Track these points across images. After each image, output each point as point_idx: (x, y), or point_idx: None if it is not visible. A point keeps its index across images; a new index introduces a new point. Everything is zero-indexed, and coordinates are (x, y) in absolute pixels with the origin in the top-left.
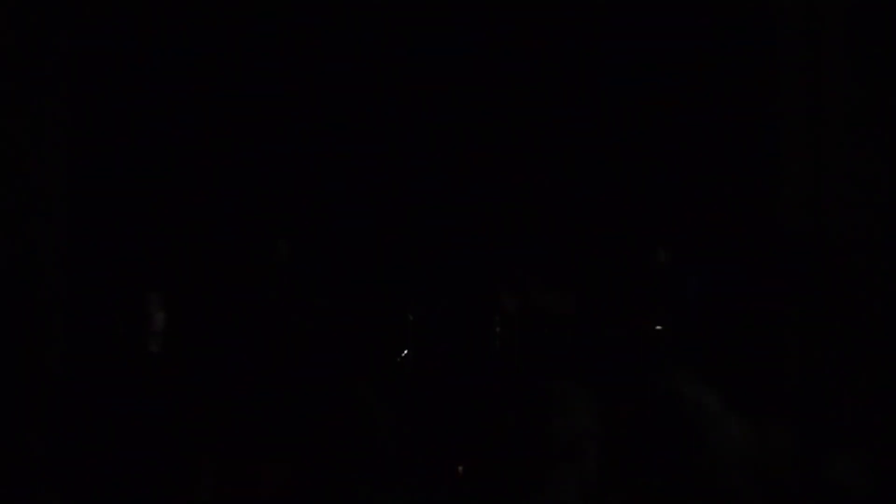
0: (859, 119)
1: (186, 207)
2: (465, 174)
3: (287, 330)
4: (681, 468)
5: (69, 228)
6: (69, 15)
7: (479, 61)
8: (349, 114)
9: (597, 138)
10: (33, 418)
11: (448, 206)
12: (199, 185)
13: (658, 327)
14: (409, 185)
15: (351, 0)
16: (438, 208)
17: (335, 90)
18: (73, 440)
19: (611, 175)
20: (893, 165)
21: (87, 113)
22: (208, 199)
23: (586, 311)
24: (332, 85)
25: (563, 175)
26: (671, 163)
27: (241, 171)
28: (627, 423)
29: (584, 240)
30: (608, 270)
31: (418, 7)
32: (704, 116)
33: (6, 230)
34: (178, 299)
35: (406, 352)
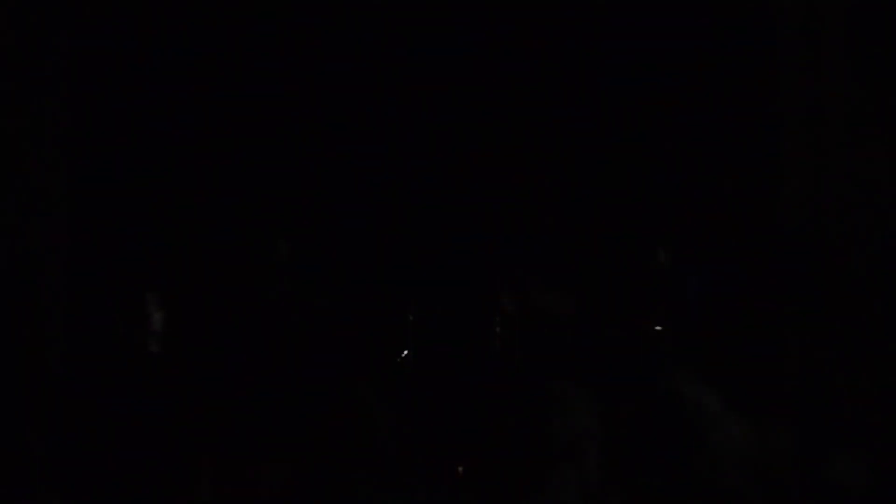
0: (859, 119)
1: (186, 207)
2: (466, 174)
3: (287, 330)
4: (681, 468)
5: (69, 228)
6: (69, 15)
7: (479, 61)
8: (349, 114)
9: (597, 138)
10: (33, 418)
11: (448, 206)
12: (199, 185)
13: (658, 327)
14: (409, 186)
15: (351, 0)
16: (439, 209)
17: (335, 90)
18: (73, 440)
19: (611, 175)
20: (893, 165)
21: (87, 113)
22: (208, 199)
23: (586, 311)
24: (332, 85)
25: (564, 175)
26: (671, 163)
27: (241, 171)
28: (627, 424)
29: (585, 240)
30: (608, 270)
31: (418, 7)
32: (704, 116)
33: (6, 230)
34: (178, 299)
35: (406, 352)
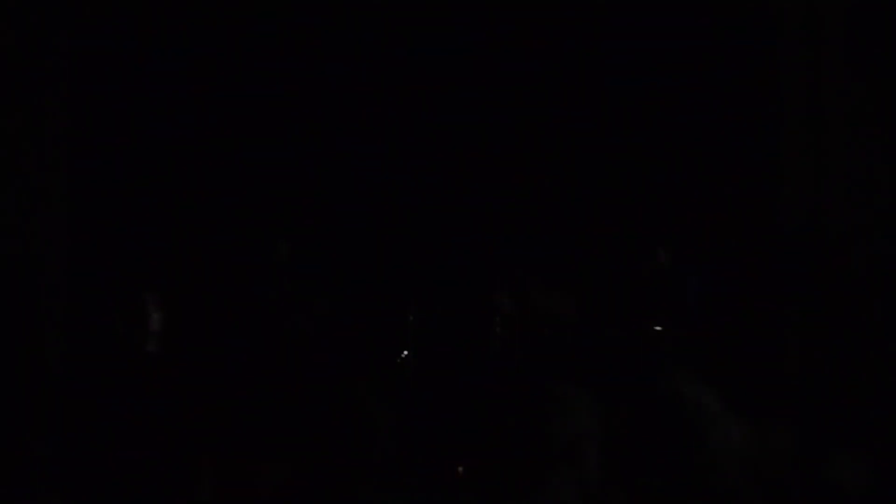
0: (859, 119)
1: (186, 207)
2: (466, 175)
3: (287, 330)
4: (681, 469)
5: (69, 228)
6: (69, 15)
7: (479, 61)
8: (349, 114)
9: (597, 138)
10: (33, 418)
11: (448, 207)
12: (199, 185)
13: (658, 328)
14: (409, 186)
15: (351, 0)
16: (438, 209)
17: (335, 90)
18: (73, 440)
19: (611, 175)
20: (893, 165)
21: (87, 113)
22: (208, 199)
23: (586, 311)
24: (332, 85)
25: (564, 176)
26: (671, 163)
27: (241, 172)
28: (627, 424)
29: (585, 240)
30: (608, 271)
31: (418, 7)
32: (705, 116)
33: (6, 230)
34: (178, 299)
35: (406, 352)
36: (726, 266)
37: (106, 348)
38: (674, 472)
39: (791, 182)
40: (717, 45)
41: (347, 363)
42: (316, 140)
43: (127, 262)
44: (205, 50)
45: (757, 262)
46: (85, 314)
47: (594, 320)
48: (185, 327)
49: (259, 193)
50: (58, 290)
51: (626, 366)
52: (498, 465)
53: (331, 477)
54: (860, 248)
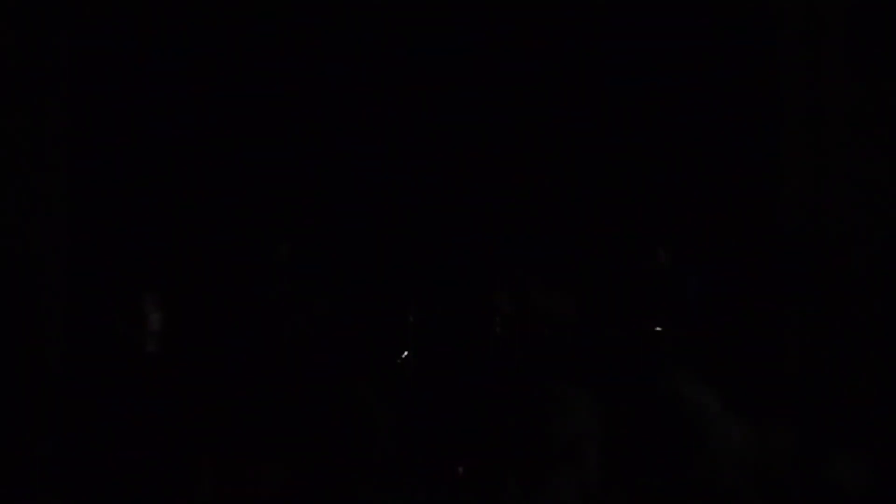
0: (859, 119)
1: (187, 208)
2: (466, 175)
3: (287, 331)
4: (681, 469)
5: (69, 228)
6: (69, 15)
7: (479, 62)
8: (349, 115)
9: (597, 139)
10: (33, 418)
11: (449, 207)
12: (199, 185)
13: (658, 328)
14: (409, 187)
15: (351, 0)
16: (439, 210)
17: (335, 90)
18: (73, 440)
19: (611, 175)
20: (893, 165)
21: (87, 113)
22: (209, 199)
23: (586, 311)
24: (332, 85)
25: (564, 176)
26: (671, 163)
27: (241, 172)
28: (627, 424)
29: (585, 240)
30: (608, 271)
31: (418, 7)
32: (705, 116)
33: (6, 230)
34: (178, 300)
35: (406, 353)
36: (726, 266)
37: (106, 348)
38: (674, 472)
39: (791, 182)
40: (717, 45)
41: (347, 363)
42: (316, 140)
43: (127, 263)
44: (205, 50)
45: (757, 262)
46: (85, 314)
47: (594, 320)
48: (185, 327)
49: (259, 194)
50: (58, 290)
51: (626, 366)
52: (498, 465)
53: (331, 477)
54: (860, 248)
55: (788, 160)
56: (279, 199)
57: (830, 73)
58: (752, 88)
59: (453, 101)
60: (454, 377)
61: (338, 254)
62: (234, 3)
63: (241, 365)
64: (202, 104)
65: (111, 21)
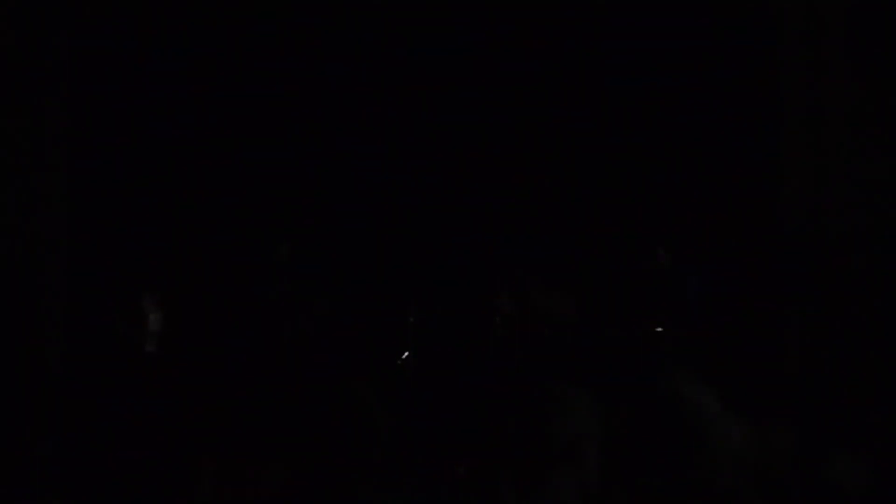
0: (859, 119)
1: (187, 208)
2: (466, 176)
3: (287, 331)
4: (681, 469)
5: (69, 228)
6: (69, 15)
7: (479, 62)
8: (349, 115)
9: (597, 138)
10: (33, 418)
11: (448, 207)
12: (200, 185)
13: (658, 328)
14: (409, 187)
15: (351, 0)
16: (439, 210)
17: (335, 91)
18: (73, 440)
19: (611, 175)
20: (893, 165)
21: (87, 113)
22: (209, 200)
23: (586, 311)
24: (332, 85)
25: (563, 176)
26: (671, 163)
27: (241, 172)
28: (627, 424)
29: (585, 240)
30: (608, 271)
31: (418, 7)
32: (705, 116)
33: (6, 230)
34: (178, 300)
35: (407, 353)
36: (726, 266)
37: (106, 348)
38: (674, 473)
39: (791, 182)
40: (717, 45)
41: (347, 363)
42: (316, 140)
43: (127, 263)
44: (205, 50)
45: (757, 262)
46: (85, 314)
47: (594, 320)
48: (185, 327)
49: (259, 194)
50: (58, 290)
51: (626, 366)
52: (498, 465)
53: (331, 477)
54: (860, 248)
55: (788, 160)
56: (279, 199)
57: (830, 73)
58: (752, 89)
59: (453, 101)
60: (454, 377)
61: (338, 254)
62: (234, 3)
63: (241, 365)
64: (202, 104)
65: (111, 21)
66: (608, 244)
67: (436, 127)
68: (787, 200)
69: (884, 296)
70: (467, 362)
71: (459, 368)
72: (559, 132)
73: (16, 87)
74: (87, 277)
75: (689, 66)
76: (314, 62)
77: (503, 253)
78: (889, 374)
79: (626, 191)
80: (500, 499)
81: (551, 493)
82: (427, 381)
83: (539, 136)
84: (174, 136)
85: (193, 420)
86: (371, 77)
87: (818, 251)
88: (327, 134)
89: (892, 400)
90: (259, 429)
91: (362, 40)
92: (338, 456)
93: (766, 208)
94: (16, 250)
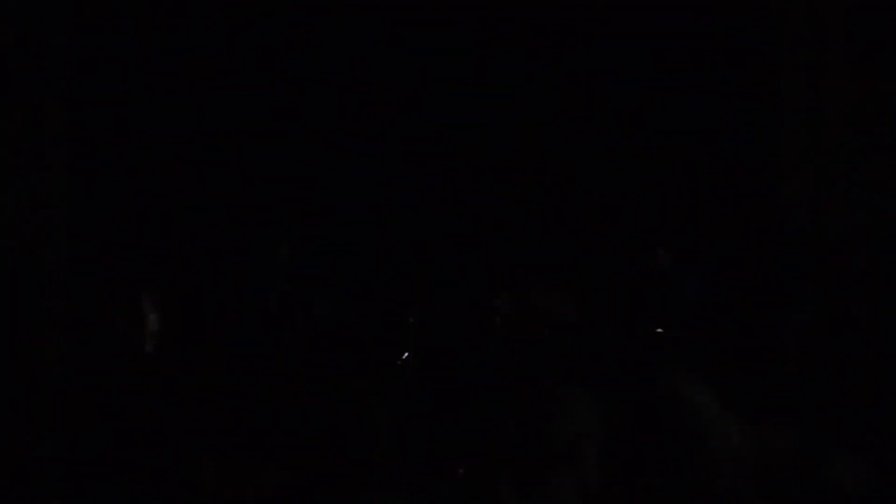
0: (859, 119)
1: (187, 208)
2: (466, 176)
3: (288, 331)
4: (681, 470)
5: (69, 228)
6: (69, 15)
7: (479, 62)
8: (349, 115)
9: (597, 139)
10: (33, 418)
11: (449, 208)
12: (200, 186)
13: (658, 328)
14: (409, 188)
15: (351, 0)
16: (439, 211)
17: (335, 90)
18: (73, 440)
19: (611, 176)
20: (894, 165)
21: (87, 113)
22: (210, 200)
23: (587, 312)
24: (332, 85)
25: (563, 176)
26: (671, 163)
27: (241, 172)
28: (627, 425)
29: (585, 241)
30: (608, 272)
31: (418, 7)
32: (705, 116)
33: (6, 230)
34: (178, 300)
35: (407, 354)
36: (726, 266)
37: (106, 349)
38: (674, 473)
39: (791, 182)
40: (717, 45)
41: (347, 364)
42: (316, 140)
43: (127, 263)
44: (205, 50)
45: (757, 262)
46: (85, 314)
47: (594, 321)
48: (185, 328)
49: (259, 194)
50: (58, 290)
51: (626, 366)
52: (498, 466)
53: (331, 478)
54: (860, 248)
55: (788, 160)
56: (279, 199)
57: (830, 73)
58: (752, 89)
59: (453, 101)
60: (454, 378)
61: (338, 254)
62: (235, 3)
63: (241, 365)
64: (202, 104)
65: (111, 21)
66: (608, 244)
67: (436, 127)
68: (787, 200)
69: (884, 296)
70: (467, 362)
71: (459, 369)
72: (559, 132)
73: (16, 87)
74: (87, 277)
75: (689, 66)
76: (314, 62)
77: (503, 253)
78: (889, 374)
79: (626, 191)
80: (500, 499)
81: (551, 494)
82: (427, 382)
83: (539, 137)
84: (174, 136)
85: (193, 420)
86: (371, 77)
87: (818, 251)
88: (327, 134)
89: (893, 400)
90: (259, 429)
91: (362, 41)
92: (338, 456)
93: (766, 208)
94: (16, 250)
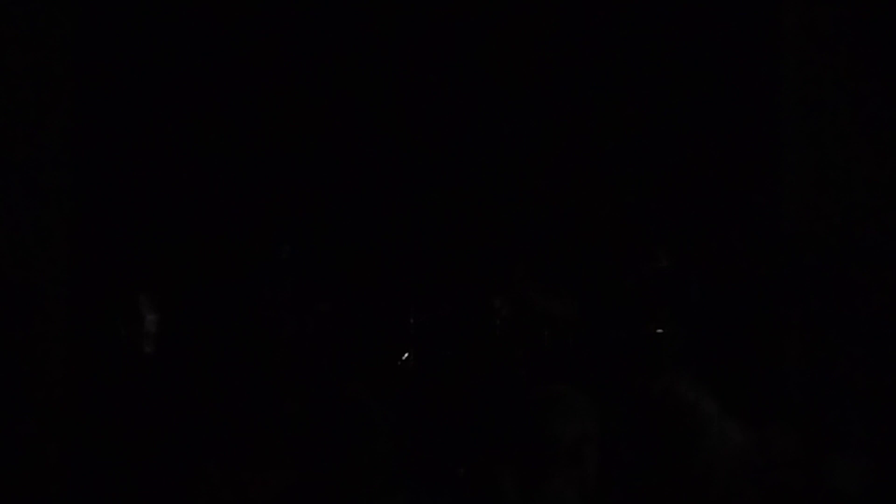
0: (859, 119)
1: (188, 208)
2: (466, 177)
3: (287, 333)
4: (681, 472)
5: (69, 228)
6: (69, 15)
7: (478, 62)
8: (349, 117)
9: (596, 139)
10: (33, 420)
11: (449, 209)
12: (201, 186)
13: (658, 330)
14: (409, 189)
15: (351, 0)
16: (439, 211)
17: (336, 91)
18: (74, 443)
19: (610, 176)
20: (894, 165)
21: (88, 113)
22: (210, 200)
23: (587, 314)
24: (332, 86)
25: (563, 177)
26: (671, 164)
27: (242, 173)
28: (627, 427)
29: (585, 242)
30: (609, 273)
31: (418, 7)
32: (704, 117)
33: (6, 230)
34: (179, 301)
35: (407, 355)
36: (727, 268)
37: (107, 350)
38: (674, 475)
39: (791, 183)
40: (717, 45)
41: (347, 365)
42: (316, 141)
43: (128, 264)
44: (206, 50)
45: (757, 264)
46: (86, 315)
47: (595, 322)
48: (186, 329)
49: (260, 195)
50: (58, 291)
51: (626, 368)
52: (498, 466)
53: (331, 479)
54: (861, 249)
55: (788, 161)
56: (280, 199)
57: (830, 73)
58: (752, 89)
59: (453, 102)
60: (454, 379)
61: (338, 255)
62: (236, 3)
63: (242, 368)
64: (203, 104)
65: (111, 21)
66: (608, 246)
67: (436, 128)
68: (788, 202)
69: (884, 296)
70: (468, 364)
71: (459, 370)
72: (558, 133)
73: (16, 86)
74: (89, 278)
75: (689, 67)
76: (315, 62)
77: (503, 254)
78: (889, 375)
79: (626, 192)
80: (500, 499)
81: (551, 494)
82: (427, 383)
83: (538, 137)
84: (175, 136)
85: (194, 422)
86: (371, 78)
87: (819, 253)
88: (328, 135)
89: (892, 400)
90: (260, 431)
91: (362, 41)
92: (338, 457)
93: (766, 210)
94: (16, 251)
